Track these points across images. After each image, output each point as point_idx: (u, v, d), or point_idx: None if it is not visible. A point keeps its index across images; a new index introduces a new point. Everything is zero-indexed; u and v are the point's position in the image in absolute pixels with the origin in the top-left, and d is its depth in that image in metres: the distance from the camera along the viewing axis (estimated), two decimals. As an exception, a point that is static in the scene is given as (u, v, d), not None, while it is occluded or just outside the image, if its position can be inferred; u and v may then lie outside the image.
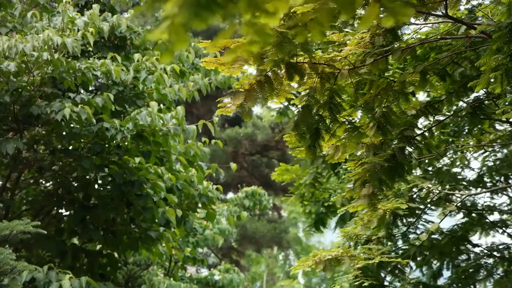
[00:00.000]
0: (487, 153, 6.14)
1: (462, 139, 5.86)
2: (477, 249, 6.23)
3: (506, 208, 6.29)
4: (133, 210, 7.38)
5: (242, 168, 21.62)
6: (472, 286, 6.08)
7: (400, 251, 5.66)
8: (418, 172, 5.93)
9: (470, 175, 7.41)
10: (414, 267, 6.16)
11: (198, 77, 8.19)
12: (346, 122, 3.70)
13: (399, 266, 5.34)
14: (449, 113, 5.10)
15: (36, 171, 7.73)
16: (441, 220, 5.30)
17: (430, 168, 6.13)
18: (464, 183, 6.16)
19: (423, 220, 5.76)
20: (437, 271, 6.30)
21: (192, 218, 8.76)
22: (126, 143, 7.19)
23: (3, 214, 6.98)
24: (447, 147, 5.67)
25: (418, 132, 4.10)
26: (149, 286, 9.47)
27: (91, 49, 7.40)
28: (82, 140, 7.13)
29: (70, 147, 7.20)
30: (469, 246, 6.21)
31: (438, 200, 5.69)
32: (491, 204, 6.26)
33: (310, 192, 7.95)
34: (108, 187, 7.54)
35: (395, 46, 3.30)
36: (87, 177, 7.38)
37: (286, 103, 8.00)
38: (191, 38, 17.02)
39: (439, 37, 3.72)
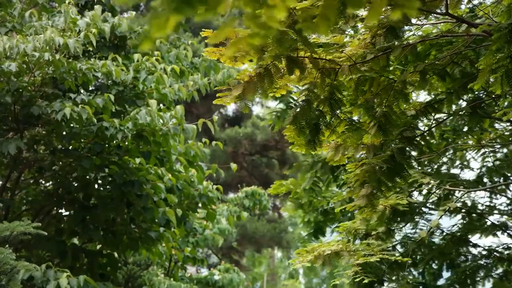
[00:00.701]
0: (486, 153, 6.14)
1: (462, 139, 5.86)
2: (477, 250, 6.23)
3: (506, 209, 6.29)
4: (133, 210, 7.37)
5: (242, 168, 21.61)
6: (471, 287, 6.08)
7: (399, 247, 5.66)
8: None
9: (470, 175, 7.41)
10: (414, 267, 6.16)
11: (197, 77, 8.19)
12: (347, 119, 3.70)
13: (398, 261, 5.35)
14: (449, 113, 5.10)
15: (36, 171, 7.73)
16: (441, 216, 5.30)
17: (430, 168, 6.13)
18: (464, 183, 6.16)
19: (424, 219, 5.76)
20: (437, 272, 6.31)
21: (192, 218, 8.76)
22: (126, 143, 7.19)
23: (3, 214, 6.98)
24: (447, 147, 5.66)
25: (418, 132, 4.10)
26: (149, 286, 9.47)
27: (91, 49, 7.40)
28: (82, 140, 7.13)
29: (70, 147, 7.20)
30: (469, 247, 6.21)
31: (438, 200, 5.69)
32: (491, 205, 6.27)
33: (309, 201, 7.95)
34: (108, 187, 7.53)
35: (396, 43, 3.29)
36: (87, 177, 7.37)
37: (285, 107, 7.97)
38: (191, 38, 17.02)
39: (440, 34, 3.72)
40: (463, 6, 4.07)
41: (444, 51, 3.86)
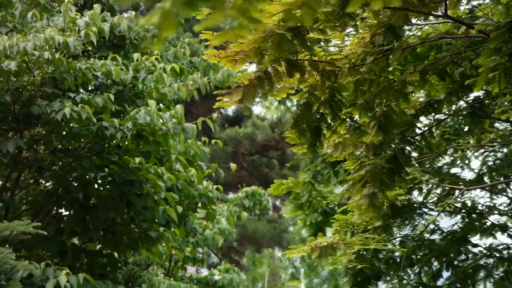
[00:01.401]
0: (487, 153, 6.14)
1: (462, 139, 5.86)
2: (476, 250, 6.23)
3: (506, 209, 6.29)
4: (133, 210, 7.37)
5: (242, 168, 21.61)
6: (471, 287, 6.08)
7: (397, 243, 5.66)
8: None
9: (470, 175, 7.41)
10: (412, 267, 6.16)
11: (197, 76, 8.19)
12: (348, 120, 3.70)
13: (396, 259, 5.35)
14: (449, 113, 5.10)
15: (36, 171, 7.73)
16: (439, 213, 5.30)
17: (431, 168, 6.13)
18: (464, 182, 6.16)
19: (423, 219, 5.76)
20: (437, 272, 6.31)
21: (192, 218, 8.75)
22: (126, 143, 7.19)
23: (3, 214, 6.98)
24: (447, 147, 5.66)
25: (418, 132, 4.10)
26: (149, 286, 9.47)
27: (90, 48, 7.40)
28: (82, 140, 7.13)
29: (70, 147, 7.20)
30: (469, 247, 6.21)
31: (438, 200, 5.68)
32: (491, 205, 6.26)
33: (308, 201, 7.94)
34: (108, 187, 7.53)
35: (395, 45, 3.30)
36: (87, 177, 7.37)
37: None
38: (191, 37, 17.01)
39: (439, 36, 3.72)
40: (462, 8, 4.07)
41: (443, 52, 3.86)
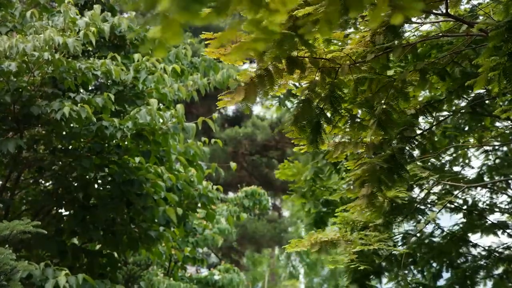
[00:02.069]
0: (487, 152, 6.14)
1: (463, 137, 5.86)
2: (477, 249, 6.23)
3: (506, 207, 6.29)
4: (133, 210, 7.37)
5: (242, 168, 21.61)
6: (470, 287, 6.08)
7: (400, 244, 5.66)
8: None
9: (470, 174, 7.42)
10: (414, 265, 6.16)
11: (197, 77, 8.19)
12: (348, 115, 3.70)
13: (397, 257, 5.34)
14: (449, 112, 5.10)
15: (36, 171, 7.72)
16: (439, 211, 5.30)
17: (432, 167, 6.13)
18: (464, 180, 6.16)
19: (424, 217, 5.76)
20: (437, 273, 6.30)
21: (192, 218, 8.74)
22: (126, 143, 7.19)
23: (3, 214, 6.97)
24: (448, 146, 5.66)
25: (418, 131, 4.10)
26: (149, 286, 9.46)
27: (90, 48, 7.39)
28: (82, 140, 7.12)
29: (70, 147, 7.19)
30: (469, 246, 6.21)
31: (438, 198, 5.69)
32: (492, 204, 6.26)
33: (311, 190, 7.95)
34: (108, 186, 7.53)
35: (396, 43, 3.30)
36: (87, 177, 7.37)
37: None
38: (191, 37, 17.00)
39: (440, 34, 3.72)
40: (462, 7, 4.07)
41: (444, 51, 3.86)
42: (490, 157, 6.25)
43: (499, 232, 6.16)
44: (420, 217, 5.72)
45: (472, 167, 6.41)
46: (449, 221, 6.19)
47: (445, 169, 6.14)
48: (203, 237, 11.27)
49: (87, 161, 6.83)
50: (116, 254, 7.94)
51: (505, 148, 6.18)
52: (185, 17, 1.33)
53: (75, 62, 6.59)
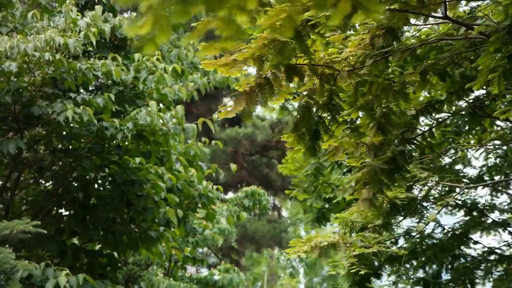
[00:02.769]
0: (488, 152, 6.15)
1: (463, 138, 5.87)
2: (476, 251, 6.24)
3: (507, 207, 6.30)
4: (133, 210, 7.38)
5: (242, 168, 21.61)
6: (470, 285, 6.08)
7: (401, 241, 5.67)
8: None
9: (471, 173, 7.43)
10: (414, 263, 6.17)
11: (197, 77, 8.20)
12: (347, 121, 3.71)
13: (397, 255, 5.35)
14: (449, 113, 5.11)
15: (36, 171, 7.73)
16: (439, 211, 5.30)
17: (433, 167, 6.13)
18: (465, 180, 6.17)
19: (425, 217, 5.76)
20: (437, 273, 6.31)
21: (192, 218, 8.75)
22: (126, 143, 7.19)
23: (3, 214, 6.98)
24: (448, 147, 5.67)
25: (418, 132, 4.11)
26: (149, 286, 9.47)
27: (91, 49, 7.40)
28: (82, 140, 7.13)
29: (70, 147, 7.20)
30: (470, 245, 6.22)
31: (438, 198, 5.69)
32: (492, 203, 6.27)
33: (312, 186, 7.93)
34: (108, 187, 7.54)
35: (395, 47, 3.30)
36: (87, 177, 7.38)
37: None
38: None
39: (439, 38, 3.72)
40: (461, 8, 4.07)
41: (444, 52, 3.86)
42: (491, 156, 6.26)
43: (500, 230, 6.17)
44: (421, 214, 5.73)
45: (474, 167, 6.43)
46: (450, 218, 6.20)
47: (445, 169, 6.15)
48: (203, 237, 11.28)
49: (87, 162, 6.83)
50: (116, 254, 7.94)
51: (505, 148, 6.19)
52: (176, 14, 1.33)
53: (76, 62, 6.60)
